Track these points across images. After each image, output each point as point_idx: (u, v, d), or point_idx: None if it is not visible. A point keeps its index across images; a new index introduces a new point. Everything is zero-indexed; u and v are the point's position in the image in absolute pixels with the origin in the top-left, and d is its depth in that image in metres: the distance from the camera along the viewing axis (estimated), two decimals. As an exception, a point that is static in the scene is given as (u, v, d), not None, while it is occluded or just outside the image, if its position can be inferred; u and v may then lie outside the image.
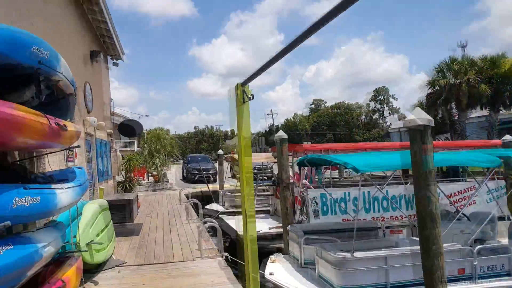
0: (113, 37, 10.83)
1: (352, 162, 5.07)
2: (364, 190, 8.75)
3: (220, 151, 15.94)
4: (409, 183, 7.96)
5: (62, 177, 4.18)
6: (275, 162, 13.56)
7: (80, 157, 7.42)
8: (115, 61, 12.82)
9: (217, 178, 23.05)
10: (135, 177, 20.09)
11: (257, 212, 10.65)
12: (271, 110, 63.91)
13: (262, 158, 14.13)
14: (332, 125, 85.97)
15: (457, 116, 23.91)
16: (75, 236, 4.78)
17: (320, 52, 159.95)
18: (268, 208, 11.40)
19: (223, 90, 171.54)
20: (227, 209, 12.83)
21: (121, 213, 8.79)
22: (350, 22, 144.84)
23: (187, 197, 13.68)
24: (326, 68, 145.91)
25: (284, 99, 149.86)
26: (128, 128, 11.44)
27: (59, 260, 4.13)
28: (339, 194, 8.65)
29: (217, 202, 14.57)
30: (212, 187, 19.12)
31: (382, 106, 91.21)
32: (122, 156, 11.20)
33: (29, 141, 3.08)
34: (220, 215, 11.60)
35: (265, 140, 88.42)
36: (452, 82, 22.74)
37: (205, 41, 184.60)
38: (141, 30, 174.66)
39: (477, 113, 26.40)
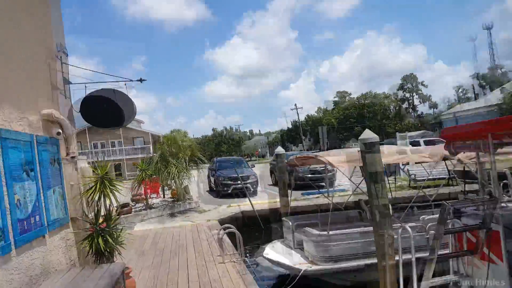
0: None
1: None
2: None
3: (280, 149, 9.69)
4: None
5: None
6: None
7: None
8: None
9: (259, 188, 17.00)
10: (146, 195, 14.01)
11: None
12: (295, 105, 57.08)
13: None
14: (360, 118, 78.93)
15: None
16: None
17: (334, 46, 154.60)
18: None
19: (239, 91, 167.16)
20: (312, 261, 6.53)
21: None
22: (363, 15, 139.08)
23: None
24: (341, 63, 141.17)
25: (299, 96, 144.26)
26: (99, 108, 5.14)
27: None
28: None
29: (278, 236, 8.42)
30: (256, 203, 12.87)
31: (411, 94, 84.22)
32: (96, 166, 4.98)
33: None
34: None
35: (290, 138, 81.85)
36: None
37: (219, 44, 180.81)
38: (156, 37, 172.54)
39: None
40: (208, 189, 19.07)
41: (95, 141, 40.24)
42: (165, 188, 16.52)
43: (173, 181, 14.12)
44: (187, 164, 14.57)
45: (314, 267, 6.36)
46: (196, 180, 16.25)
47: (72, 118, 5.47)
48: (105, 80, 5.73)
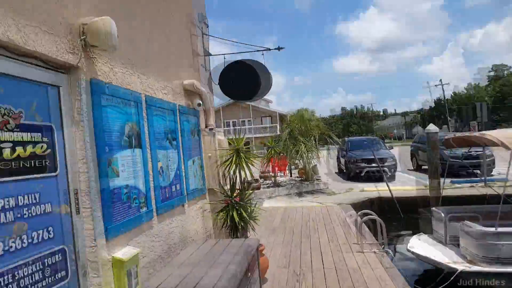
0: None
1: None
2: None
3: (432, 126, 8.28)
4: None
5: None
6: None
7: None
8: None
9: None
10: (274, 172, 14.21)
11: None
12: (440, 80, 50.14)
13: None
14: (522, 96, 64.82)
15: None
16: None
17: (490, 12, 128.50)
18: None
19: (373, 67, 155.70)
20: (472, 261, 5.34)
21: None
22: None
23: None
24: (498, 31, 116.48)
25: (444, 71, 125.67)
26: (236, 80, 5.05)
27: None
28: None
29: (424, 228, 7.28)
30: (394, 189, 11.54)
31: None
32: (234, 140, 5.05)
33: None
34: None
35: (432, 118, 73.28)
36: None
37: (353, 17, 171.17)
38: (287, 14, 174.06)
39: None
40: (337, 170, 18.33)
41: (228, 120, 43.47)
42: (292, 167, 16.54)
43: (301, 160, 13.92)
44: (317, 142, 14.14)
45: (475, 268, 5.18)
46: (326, 160, 15.73)
47: (211, 90, 5.54)
48: (244, 51, 5.63)
